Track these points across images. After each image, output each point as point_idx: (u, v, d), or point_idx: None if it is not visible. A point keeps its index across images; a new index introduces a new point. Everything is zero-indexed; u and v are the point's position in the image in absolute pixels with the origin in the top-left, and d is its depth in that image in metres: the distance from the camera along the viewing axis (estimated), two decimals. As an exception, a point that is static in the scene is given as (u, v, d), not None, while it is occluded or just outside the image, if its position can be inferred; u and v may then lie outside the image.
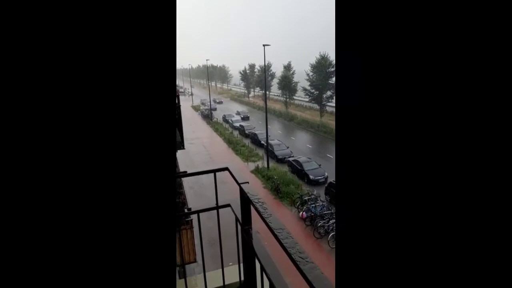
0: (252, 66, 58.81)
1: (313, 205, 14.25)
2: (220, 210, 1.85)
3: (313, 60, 35.78)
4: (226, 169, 1.78)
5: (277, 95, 49.57)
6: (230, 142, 29.24)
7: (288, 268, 1.16)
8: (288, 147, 24.09)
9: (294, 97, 43.20)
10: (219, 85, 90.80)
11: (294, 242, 1.00)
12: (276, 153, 23.00)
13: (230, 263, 2.20)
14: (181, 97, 10.11)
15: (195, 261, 7.26)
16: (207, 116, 42.44)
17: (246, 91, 62.36)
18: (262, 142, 25.06)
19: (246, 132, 30.91)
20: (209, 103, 44.91)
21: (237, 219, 1.67)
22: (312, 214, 13.83)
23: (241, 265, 1.71)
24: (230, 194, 1.83)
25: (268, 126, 23.08)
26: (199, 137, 31.54)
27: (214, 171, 1.83)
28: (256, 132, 28.89)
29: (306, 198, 15.20)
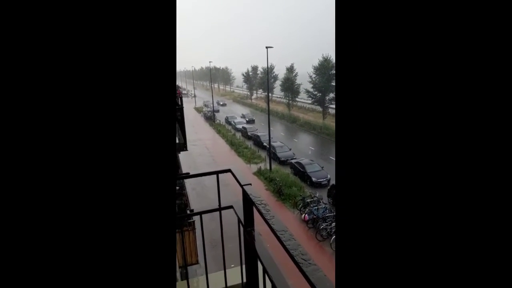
0: (255, 68, 58.90)
1: (316, 207, 14.20)
2: (222, 211, 1.86)
3: (316, 62, 35.80)
4: (229, 170, 1.79)
5: (279, 97, 49.54)
6: (232, 144, 29.24)
7: (290, 270, 1.16)
8: (290, 149, 24.06)
9: (297, 99, 43.18)
10: (221, 87, 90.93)
11: (297, 244, 1.00)
12: (279, 155, 22.98)
13: (232, 265, 2.20)
14: (184, 99, 10.14)
15: (197, 262, 7.26)
16: (210, 118, 42.50)
17: (248, 93, 62.39)
18: (265, 144, 25.01)
19: (249, 134, 30.91)
20: (211, 105, 44.97)
21: (239, 221, 1.67)
22: (315, 216, 13.79)
23: (243, 266, 1.71)
24: (232, 196, 1.83)
25: (271, 128, 23.06)
26: (202, 139, 31.58)
27: (217, 173, 1.84)
28: (258, 134, 28.88)
29: (308, 200, 15.16)
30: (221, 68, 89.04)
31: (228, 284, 2.01)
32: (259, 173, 20.72)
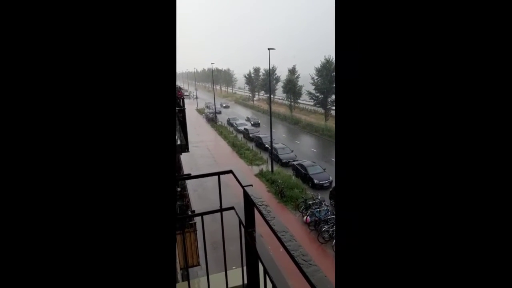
0: (257, 70, 58.94)
1: (318, 209, 14.17)
2: (223, 212, 1.86)
3: (318, 64, 35.82)
4: (230, 171, 1.79)
5: (281, 99, 49.58)
6: (234, 145, 29.26)
7: (291, 271, 1.16)
8: (292, 151, 24.04)
9: (299, 101, 43.18)
10: (223, 89, 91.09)
11: (297, 245, 1.00)
12: (281, 156, 22.97)
13: (234, 267, 2.19)
14: (186, 101, 10.16)
15: (198, 264, 7.23)
16: (212, 119, 42.55)
17: (250, 95, 62.45)
18: (267, 145, 25.03)
19: (251, 135, 30.92)
20: (213, 106, 45.03)
21: (240, 222, 1.67)
22: (317, 218, 13.76)
23: (245, 268, 1.71)
24: (234, 197, 1.84)
25: (273, 130, 23.07)
26: (204, 140, 31.63)
27: (218, 174, 1.84)
28: (260, 135, 28.89)
29: (310, 202, 15.14)
30: (223, 70, 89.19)
31: (229, 286, 2.01)
32: (260, 175, 20.71)
